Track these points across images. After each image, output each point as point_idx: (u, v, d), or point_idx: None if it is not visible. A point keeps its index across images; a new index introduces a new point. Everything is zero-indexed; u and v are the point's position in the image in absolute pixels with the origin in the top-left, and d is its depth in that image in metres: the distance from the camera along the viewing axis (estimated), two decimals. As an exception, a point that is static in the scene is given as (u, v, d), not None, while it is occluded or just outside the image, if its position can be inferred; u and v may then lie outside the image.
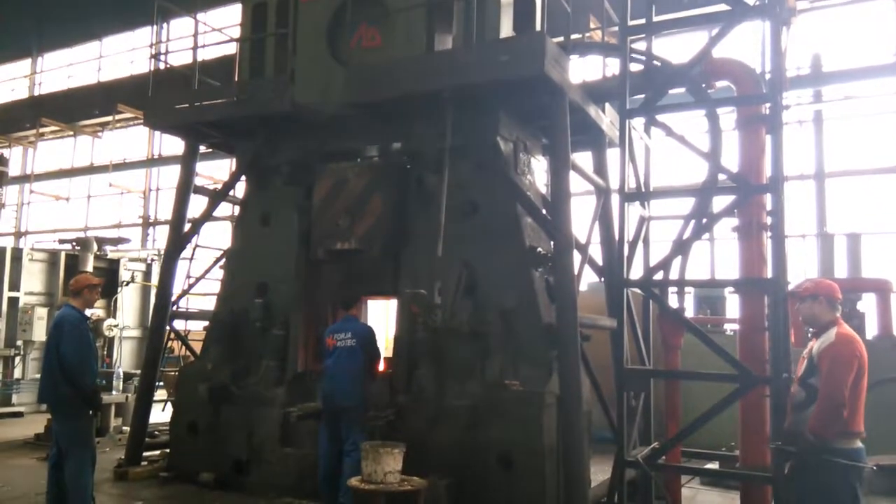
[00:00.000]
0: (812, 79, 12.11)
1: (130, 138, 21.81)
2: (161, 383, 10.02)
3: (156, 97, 8.29)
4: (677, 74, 6.37)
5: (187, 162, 8.39)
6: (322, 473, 6.13)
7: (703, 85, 6.40)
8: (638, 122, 7.14)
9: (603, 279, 7.77)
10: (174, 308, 8.33)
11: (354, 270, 7.07)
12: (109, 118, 20.73)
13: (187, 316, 8.76)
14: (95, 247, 13.01)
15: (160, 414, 8.90)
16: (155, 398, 8.37)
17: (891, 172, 12.46)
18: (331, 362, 6.22)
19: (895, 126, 12.50)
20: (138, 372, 10.06)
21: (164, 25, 19.96)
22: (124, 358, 13.14)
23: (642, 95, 6.46)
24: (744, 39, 7.44)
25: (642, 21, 6.55)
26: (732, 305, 10.54)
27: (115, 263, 13.57)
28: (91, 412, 5.78)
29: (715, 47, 5.71)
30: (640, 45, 7.42)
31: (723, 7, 5.81)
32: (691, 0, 9.16)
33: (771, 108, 5.32)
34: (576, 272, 6.18)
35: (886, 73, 12.05)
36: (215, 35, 9.82)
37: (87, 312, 6.15)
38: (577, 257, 6.35)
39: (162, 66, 9.63)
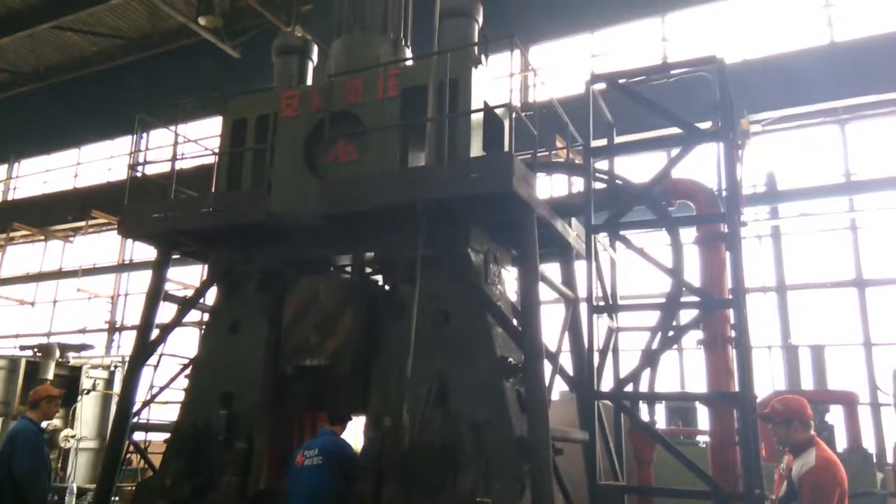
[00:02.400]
0: (768, 196, 12.72)
1: (102, 243, 21.75)
2: (117, 499, 9.54)
3: (131, 207, 8.38)
4: (639, 194, 6.68)
5: (159, 269, 8.38)
6: None
7: (664, 203, 6.71)
8: (603, 236, 7.39)
9: (573, 390, 7.76)
10: (135, 419, 8.06)
11: (323, 385, 6.95)
12: (82, 223, 20.75)
13: (148, 427, 8.47)
14: (58, 353, 12.70)
15: (113, 533, 8.40)
16: (109, 515, 7.93)
17: (849, 286, 12.87)
18: (298, 484, 5.96)
19: (850, 241, 13.05)
20: (93, 486, 9.59)
21: (144, 135, 20.44)
22: (79, 471, 12.52)
23: (607, 211, 6.75)
24: (703, 157, 7.87)
25: (604, 141, 6.92)
26: (704, 415, 10.53)
27: (76, 371, 13.20)
28: None
29: (674, 168, 6.03)
30: (604, 164, 7.80)
31: (681, 130, 6.19)
32: (653, 121, 9.72)
33: (729, 226, 5.58)
34: (547, 383, 6.17)
35: (837, 192, 12.72)
36: (194, 146, 10.09)
37: (44, 423, 5.95)
38: (547, 367, 6.37)
39: (139, 174, 9.80)
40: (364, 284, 6.91)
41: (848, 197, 12.84)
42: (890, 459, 10.22)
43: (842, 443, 9.90)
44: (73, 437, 12.07)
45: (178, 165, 8.76)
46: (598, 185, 6.93)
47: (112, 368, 13.94)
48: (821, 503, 4.12)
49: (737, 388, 5.45)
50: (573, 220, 7.79)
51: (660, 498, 7.00)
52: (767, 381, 12.19)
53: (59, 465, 12.18)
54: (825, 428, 9.58)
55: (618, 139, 7.93)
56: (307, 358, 6.66)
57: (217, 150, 8.40)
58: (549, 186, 8.76)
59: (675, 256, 6.82)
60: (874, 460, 9.69)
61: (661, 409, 11.13)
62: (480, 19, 7.83)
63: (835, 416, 10.09)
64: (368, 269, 7.62)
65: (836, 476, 4.20)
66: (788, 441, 4.52)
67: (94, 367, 13.81)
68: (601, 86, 6.92)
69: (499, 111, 7.34)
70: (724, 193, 5.95)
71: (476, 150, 6.83)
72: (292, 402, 7.17)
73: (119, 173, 21.10)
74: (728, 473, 5.67)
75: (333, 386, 6.90)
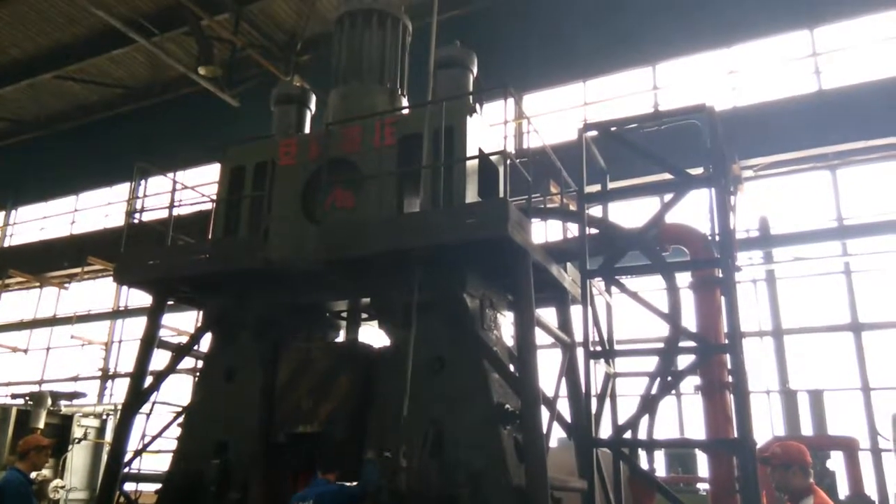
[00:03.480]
0: (761, 241, 12.79)
1: (97, 289, 21.67)
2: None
3: (127, 254, 8.39)
4: (633, 239, 6.72)
5: (154, 315, 8.35)
6: None
7: (659, 248, 6.75)
8: (599, 281, 7.41)
9: (571, 437, 7.68)
10: (126, 469, 7.93)
11: (318, 448, 6.82)
12: (78, 269, 20.70)
13: (139, 478, 8.32)
14: (49, 401, 12.54)
15: (100, 588, 8.17)
16: (97, 569, 7.74)
17: (845, 330, 12.86)
18: None
19: (844, 285, 13.08)
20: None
21: (142, 182, 20.57)
22: (67, 523, 12.25)
23: (601, 256, 6.79)
24: (697, 202, 7.96)
25: (598, 188, 7.00)
26: (704, 461, 10.39)
27: (67, 419, 13.03)
28: None
29: (667, 213, 6.09)
30: (598, 209, 7.87)
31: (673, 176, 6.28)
32: (644, 168, 9.85)
33: (723, 271, 5.61)
34: (544, 430, 6.11)
35: (830, 236, 12.81)
36: (192, 192, 10.17)
37: (33, 474, 5.86)
38: (545, 413, 6.31)
39: (136, 221, 9.85)
40: (357, 349, 6.88)
41: (841, 241, 12.92)
42: (893, 506, 10.07)
43: (843, 489, 9.76)
44: (62, 487, 11.83)
45: (176, 212, 8.82)
46: (593, 231, 6.98)
47: (104, 417, 13.76)
48: None
49: (736, 435, 5.41)
50: (568, 265, 7.83)
51: (661, 548, 6.87)
52: (766, 426, 12.07)
53: (48, 518, 11.90)
54: (827, 474, 9.47)
55: (611, 185, 8.03)
56: (300, 425, 6.58)
57: (215, 197, 8.46)
58: (544, 232, 8.82)
59: (670, 301, 6.83)
60: (877, 507, 9.54)
61: (660, 456, 10.99)
62: (475, 69, 8.01)
63: (836, 462, 9.97)
64: (364, 315, 7.61)
65: None
66: (786, 487, 4.47)
67: (86, 415, 13.63)
68: (594, 133, 7.04)
69: (493, 158, 7.44)
70: (717, 238, 6.00)
71: (471, 196, 6.90)
72: (286, 463, 7.04)
73: (116, 220, 21.15)
74: (729, 522, 5.58)
75: (328, 449, 6.75)
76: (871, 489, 10.74)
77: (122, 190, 22.00)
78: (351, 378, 6.61)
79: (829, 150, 13.36)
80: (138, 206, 14.35)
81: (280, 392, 6.81)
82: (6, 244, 24.54)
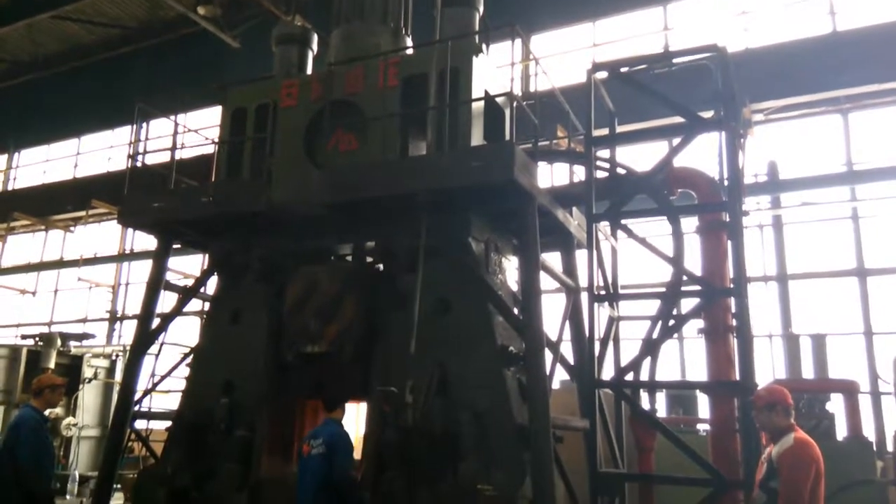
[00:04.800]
0: (770, 186, 12.68)
1: (103, 233, 21.74)
2: (119, 486, 9.58)
3: (131, 195, 8.37)
4: (640, 182, 6.66)
5: (159, 258, 8.39)
6: None
7: (666, 192, 6.69)
8: (604, 225, 7.38)
9: (574, 379, 7.78)
10: (137, 407, 8.09)
11: (325, 373, 6.98)
12: (82, 213, 20.73)
13: (150, 416, 8.49)
14: (59, 342, 12.72)
15: (115, 521, 8.46)
16: (112, 502, 7.97)
17: (850, 275, 12.87)
18: (304, 473, 5.99)
19: (851, 230, 13.03)
20: (95, 474, 9.63)
21: (144, 125, 20.39)
22: (81, 459, 12.58)
23: (608, 200, 6.74)
24: (705, 146, 7.85)
25: (606, 131, 6.90)
26: (705, 404, 10.54)
27: (78, 360, 13.23)
28: None
29: (675, 157, 6.01)
30: (605, 153, 7.78)
31: (682, 119, 6.17)
32: (654, 110, 9.69)
33: (731, 215, 5.56)
34: (548, 372, 6.18)
35: (839, 181, 12.68)
36: (194, 135, 10.06)
37: (47, 412, 5.99)
38: (548, 356, 6.38)
39: (139, 164, 9.79)
40: (364, 271, 6.90)
41: (850, 186, 12.81)
42: (890, 448, 10.24)
43: (842, 431, 9.91)
44: (74, 425, 12.12)
45: (178, 155, 8.75)
46: (600, 175, 6.91)
47: (113, 357, 13.98)
48: (797, 477, 4.32)
49: (737, 377, 5.46)
50: (574, 209, 7.79)
51: (660, 486, 7.03)
52: (768, 370, 12.21)
53: (62, 453, 12.24)
54: (826, 416, 9.60)
55: (619, 129, 7.91)
56: (308, 345, 6.67)
57: (217, 140, 8.38)
58: (550, 176, 8.74)
59: (676, 245, 6.81)
60: (874, 449, 9.70)
61: (661, 397, 11.14)
62: (481, 8, 7.79)
63: (835, 404, 10.10)
64: (369, 259, 7.62)
65: (812, 454, 4.45)
66: (770, 426, 4.67)
67: (96, 356, 13.85)
68: (603, 74, 6.89)
69: (500, 100, 7.31)
70: (726, 182, 5.93)
71: (477, 139, 6.82)
72: (293, 389, 7.18)
73: (119, 163, 21.07)
74: (728, 461, 5.68)
75: (334, 373, 6.91)
76: (869, 432, 10.92)
77: (124, 133, 21.84)
78: (357, 301, 6.66)
79: (842, 94, 13.12)
80: (140, 149, 14.24)
81: (288, 313, 6.88)
82: (10, 187, 24.53)
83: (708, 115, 6.79)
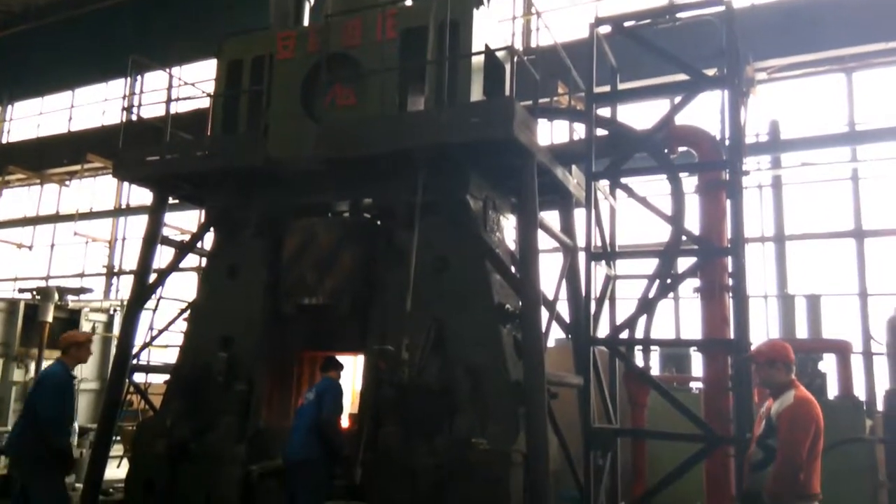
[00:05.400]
0: (770, 145, 12.59)
1: (98, 187, 21.61)
2: (118, 438, 9.71)
3: (126, 149, 8.28)
4: (641, 140, 6.59)
5: (155, 213, 8.35)
6: None
7: (666, 150, 6.63)
8: (604, 184, 7.34)
9: (570, 336, 7.83)
10: (135, 361, 8.15)
11: (322, 326, 7.03)
12: (78, 167, 20.56)
13: (148, 369, 8.56)
14: (56, 296, 12.73)
15: (115, 470, 8.58)
16: (111, 454, 8.09)
17: (848, 237, 12.88)
18: (296, 421, 6.15)
19: (850, 192, 12.99)
20: (94, 426, 9.74)
21: (138, 78, 20.08)
22: (80, 411, 12.69)
23: (608, 158, 6.68)
24: (706, 105, 7.76)
25: (607, 88, 6.80)
26: (698, 363, 10.65)
27: (75, 314, 13.26)
28: (62, 472, 5.61)
29: (677, 115, 5.94)
30: (606, 111, 7.69)
31: (684, 77, 6.07)
32: (656, 67, 9.54)
33: (731, 174, 5.53)
34: (543, 329, 6.22)
35: (840, 142, 12.59)
36: (189, 88, 9.91)
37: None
38: (544, 314, 6.41)
39: (134, 118, 9.66)
40: (362, 225, 6.88)
41: (851, 147, 12.73)
42: (880, 407, 10.38)
43: (834, 391, 10.03)
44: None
45: (173, 109, 8.63)
46: (600, 132, 6.84)
47: (111, 312, 14.01)
48: (797, 436, 4.28)
49: (732, 336, 5.50)
50: (573, 167, 7.73)
51: (652, 441, 7.14)
52: (762, 329, 12.31)
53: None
54: (818, 376, 9.69)
55: (621, 86, 7.80)
56: (306, 297, 6.69)
57: (212, 93, 8.25)
58: (550, 133, 8.65)
59: (675, 204, 6.78)
60: (864, 408, 9.84)
61: (654, 357, 11.25)
62: (482, -41, 7.60)
63: (828, 364, 10.20)
64: (367, 215, 7.59)
65: (813, 413, 4.37)
66: (770, 382, 4.64)
67: (94, 310, 13.88)
68: (606, 29, 6.76)
69: (500, 55, 7.19)
70: (727, 142, 5.88)
71: (476, 94, 6.72)
72: (291, 342, 7.23)
73: (114, 117, 20.83)
74: (720, 418, 5.76)
75: (332, 326, 6.95)
76: (860, 391, 11.06)
77: (118, 86, 21.54)
78: (355, 254, 6.67)
79: (846, 53, 12.93)
80: (135, 103, 14.04)
81: (286, 265, 6.90)
82: (3, 140, 24.29)
83: (710, 73, 6.68)
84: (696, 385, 10.73)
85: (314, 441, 6.03)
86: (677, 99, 6.01)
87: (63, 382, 5.75)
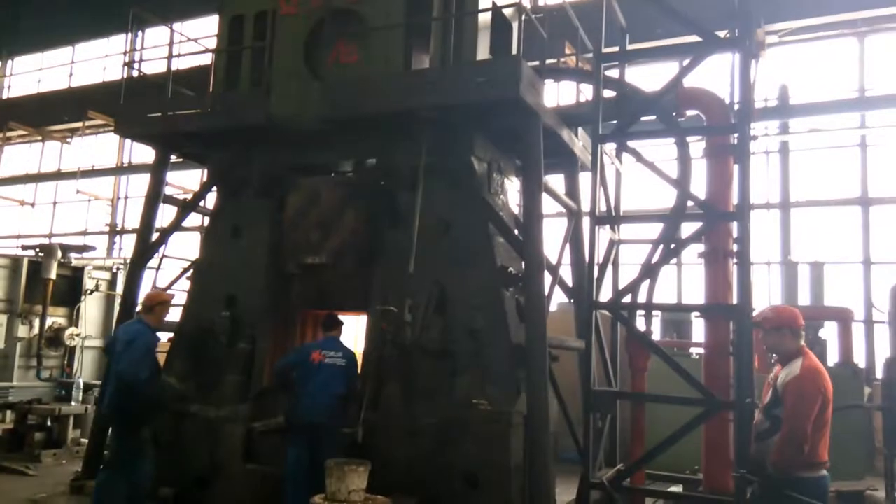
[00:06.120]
0: (779, 110, 12.44)
1: (100, 145, 21.49)
2: (122, 395, 9.78)
3: (128, 105, 8.19)
4: (649, 102, 6.49)
5: (157, 171, 8.30)
6: (292, 495, 5.99)
7: (674, 113, 6.53)
8: (610, 147, 7.26)
9: (572, 300, 7.84)
10: (139, 319, 8.16)
11: (325, 285, 7.03)
12: (79, 124, 20.41)
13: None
14: (59, 254, 12.74)
15: (120, 427, 8.67)
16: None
17: (853, 204, 12.80)
18: (318, 378, 6.16)
19: (858, 159, 12.87)
20: (99, 383, 9.84)
21: (139, 34, 19.81)
22: (85, 368, 12.83)
23: (614, 121, 6.59)
24: (714, 70, 7.63)
25: (616, 49, 6.67)
26: (698, 329, 10.69)
27: (78, 271, 13.29)
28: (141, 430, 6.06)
29: (686, 77, 5.84)
30: (614, 73, 7.56)
31: (694, 38, 5.95)
32: (665, 30, 9.38)
33: (739, 138, 5.44)
34: (546, 293, 6.21)
35: (850, 108, 12.44)
36: (190, 45, 9.76)
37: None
38: (547, 278, 6.39)
39: (135, 74, 9.54)
40: (365, 184, 6.83)
41: (860, 113, 12.57)
42: (879, 375, 10.45)
43: (834, 358, 10.09)
44: (78, 335, 12.30)
45: (175, 65, 8.51)
46: (608, 94, 6.73)
47: (114, 270, 14.04)
48: (802, 410, 4.19)
49: (735, 302, 5.48)
50: (580, 130, 7.64)
51: (652, 405, 7.19)
52: (764, 296, 12.32)
53: (66, 362, 12.48)
54: (818, 343, 9.75)
55: (630, 48, 7.66)
56: (309, 256, 6.68)
57: (214, 48, 8.12)
58: (556, 95, 8.54)
59: (681, 169, 6.71)
60: (863, 375, 9.91)
61: (655, 322, 11.30)
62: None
63: (829, 331, 10.25)
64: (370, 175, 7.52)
65: (820, 385, 4.26)
66: (778, 349, 4.58)
67: (97, 268, 13.90)
68: (615, -13, 6.61)
69: (507, 13, 7.05)
70: (736, 106, 5.78)
71: (483, 53, 6.61)
72: (294, 301, 7.24)
73: (115, 73, 20.59)
74: (720, 383, 5.77)
75: (334, 285, 6.95)
76: (860, 359, 11.13)
77: (119, 42, 21.26)
78: (358, 213, 6.65)
79: (859, 16, 12.69)
80: (136, 58, 13.86)
81: (289, 224, 6.88)
82: (4, 95, 24.07)
83: (721, 34, 6.54)
84: (696, 350, 10.80)
85: (342, 408, 6.16)
86: (687, 61, 5.90)
87: (152, 342, 6.06)
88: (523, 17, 6.54)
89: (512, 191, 7.42)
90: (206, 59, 11.39)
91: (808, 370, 4.33)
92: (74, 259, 13.54)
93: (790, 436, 4.19)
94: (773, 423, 4.39)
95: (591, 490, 5.58)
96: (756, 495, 4.52)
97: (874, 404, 9.41)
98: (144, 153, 18.77)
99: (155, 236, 8.30)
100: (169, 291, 8.66)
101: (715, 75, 8.39)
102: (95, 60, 21.99)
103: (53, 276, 12.22)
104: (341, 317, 6.78)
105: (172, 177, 11.58)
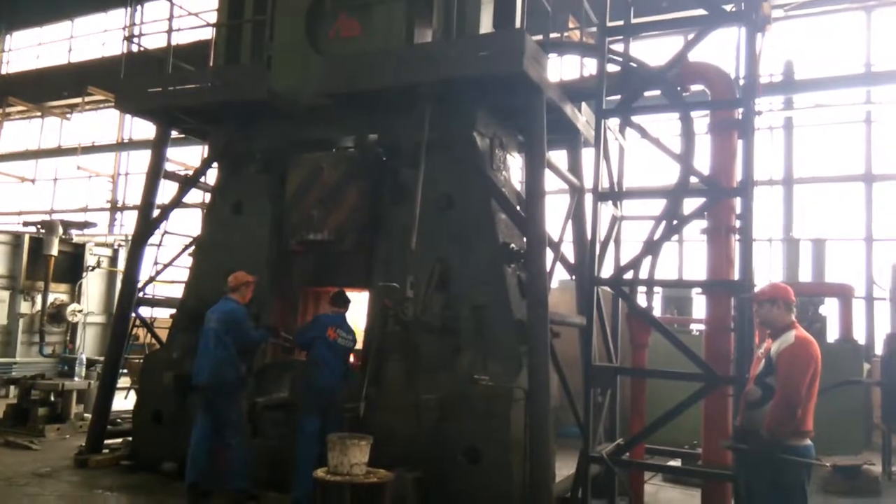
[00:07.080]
0: (784, 86, 12.33)
1: (100, 121, 21.37)
2: (125, 371, 9.87)
3: (128, 80, 8.13)
4: (653, 77, 6.43)
5: (158, 147, 8.26)
6: (303, 465, 5.99)
7: (679, 88, 6.47)
8: (613, 123, 7.20)
9: (574, 277, 7.83)
10: (140, 295, 8.20)
11: (327, 261, 7.03)
12: (79, 100, 20.29)
13: (154, 303, 8.62)
14: (61, 230, 12.76)
15: (123, 402, 8.76)
16: (118, 386, 8.23)
17: (856, 181, 12.75)
18: (330, 356, 6.21)
19: (862, 135, 12.78)
20: (101, 358, 9.90)
21: (138, 7, 19.59)
22: (87, 344, 12.92)
23: (618, 96, 6.53)
24: (719, 45, 7.55)
25: (621, 23, 6.60)
26: (699, 306, 10.71)
27: (80, 248, 13.32)
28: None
29: (691, 51, 5.78)
30: (618, 47, 7.48)
31: (700, 12, 5.87)
32: (670, 3, 9.27)
33: (743, 114, 5.41)
34: (548, 269, 6.21)
35: (855, 83, 12.33)
36: (191, 19, 9.65)
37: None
38: (549, 254, 6.39)
39: (135, 49, 9.45)
40: (367, 160, 6.80)
41: (865, 88, 12.46)
42: (878, 351, 10.48)
43: (834, 334, 10.11)
44: (80, 311, 12.36)
45: (175, 39, 8.43)
46: (612, 68, 6.66)
47: (115, 246, 14.06)
48: (796, 376, 4.32)
49: (736, 278, 5.48)
50: (583, 106, 7.58)
51: (652, 381, 7.22)
52: (766, 272, 12.32)
53: (69, 338, 12.56)
54: (819, 319, 9.76)
55: (635, 20, 7.55)
56: (311, 232, 6.68)
57: (214, 23, 8.05)
58: (560, 70, 8.45)
59: (685, 144, 6.65)
60: (863, 351, 9.94)
61: (656, 299, 11.32)
62: None
63: (829, 308, 10.25)
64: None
65: (812, 352, 4.42)
66: (770, 321, 4.67)
67: (98, 244, 13.93)
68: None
69: (510, -15, 6.95)
70: (741, 81, 5.73)
71: (486, 26, 6.55)
72: (296, 277, 7.25)
73: (114, 48, 20.41)
74: (720, 359, 5.79)
75: (337, 261, 6.96)
76: (860, 335, 11.15)
77: (118, 16, 21.04)
78: (360, 189, 6.64)
79: (867, -10, 12.53)
80: (136, 33, 13.72)
81: (290, 201, 6.88)
82: (3, 71, 23.90)
83: (728, 7, 6.46)
84: (696, 327, 10.83)
85: (342, 386, 6.29)
86: (692, 35, 5.83)
87: (246, 314, 6.47)
88: (527, -11, 6.46)
89: (514, 166, 7.38)
90: (207, 34, 11.29)
91: (801, 339, 4.48)
92: (76, 235, 13.57)
93: (785, 401, 4.29)
94: (765, 391, 4.48)
95: (591, 464, 5.62)
96: (747, 463, 4.58)
97: (873, 380, 9.47)
98: (145, 129, 18.65)
99: (156, 213, 8.29)
100: (173, 266, 8.71)
101: (720, 50, 8.32)
102: (95, 35, 21.79)
103: (55, 252, 12.25)
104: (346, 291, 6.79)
105: (173, 153, 11.54)
